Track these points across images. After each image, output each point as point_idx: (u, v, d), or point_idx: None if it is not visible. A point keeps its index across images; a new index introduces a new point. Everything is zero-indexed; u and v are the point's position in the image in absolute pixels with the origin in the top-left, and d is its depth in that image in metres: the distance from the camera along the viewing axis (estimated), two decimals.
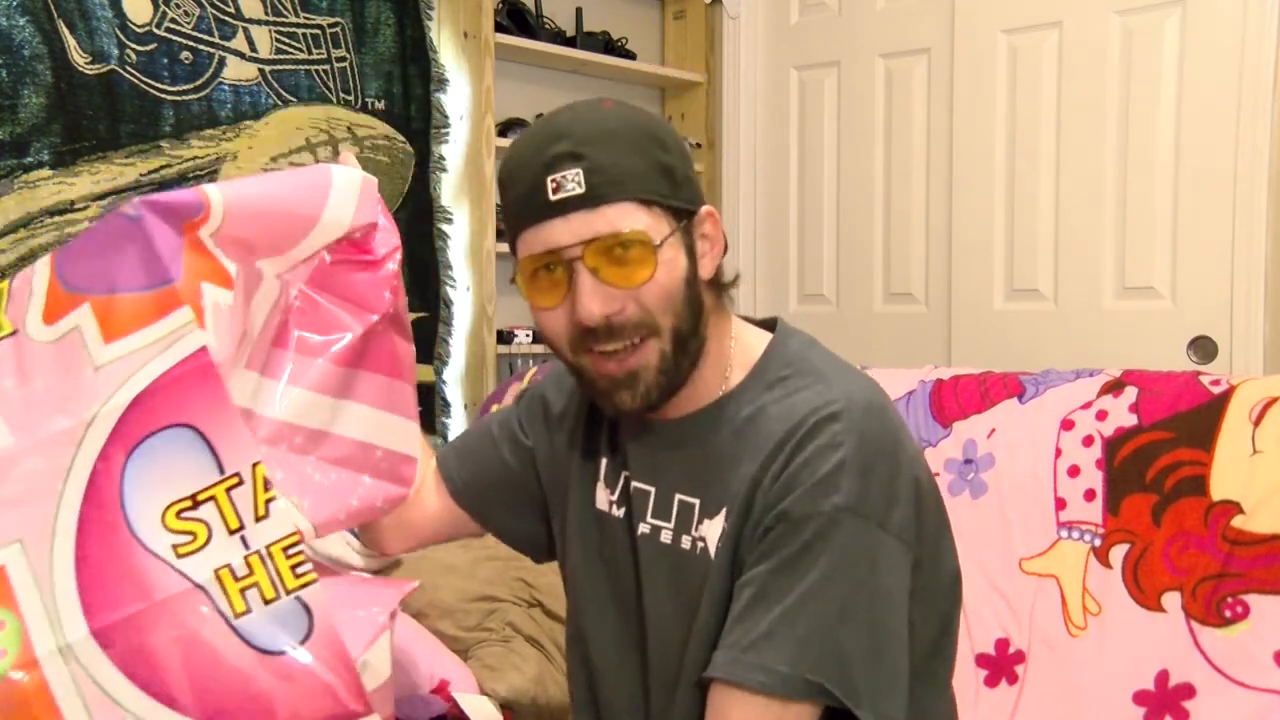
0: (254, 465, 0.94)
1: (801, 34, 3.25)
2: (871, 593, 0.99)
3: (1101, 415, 1.70)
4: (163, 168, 2.30)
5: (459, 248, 2.86)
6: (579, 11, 3.12)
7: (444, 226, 2.80)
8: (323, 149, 2.55)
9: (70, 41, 2.17)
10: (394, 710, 1.03)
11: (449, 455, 1.29)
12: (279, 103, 2.48)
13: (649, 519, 1.12)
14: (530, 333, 2.96)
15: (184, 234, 0.98)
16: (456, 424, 2.86)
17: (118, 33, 2.23)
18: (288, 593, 0.93)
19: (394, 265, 1.14)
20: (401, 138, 2.70)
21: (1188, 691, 1.51)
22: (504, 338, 2.93)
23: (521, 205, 1.03)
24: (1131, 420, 1.66)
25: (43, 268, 1.01)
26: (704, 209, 1.08)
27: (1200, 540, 1.55)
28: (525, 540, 1.29)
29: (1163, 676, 1.53)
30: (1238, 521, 1.52)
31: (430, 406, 2.75)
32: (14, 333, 0.99)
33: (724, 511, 1.06)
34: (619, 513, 1.16)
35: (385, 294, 1.13)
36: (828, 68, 3.19)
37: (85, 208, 2.20)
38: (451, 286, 2.81)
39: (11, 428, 0.95)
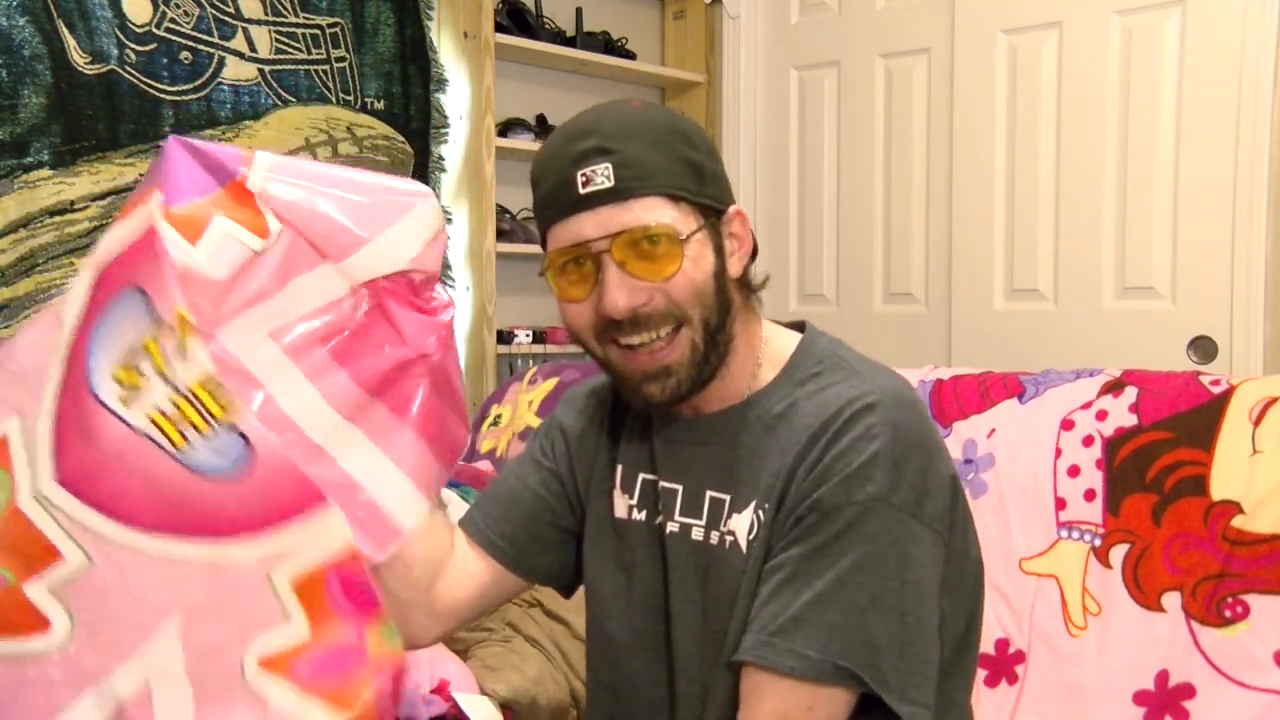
0: (176, 311, 0.99)
1: (801, 34, 3.25)
2: (902, 582, 0.99)
3: (1101, 415, 1.70)
4: None
5: (459, 248, 2.86)
6: (579, 11, 3.12)
7: None
8: (322, 149, 2.55)
9: (70, 41, 2.17)
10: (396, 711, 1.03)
11: (472, 515, 1.24)
12: (278, 103, 2.48)
13: (677, 517, 1.12)
14: (530, 332, 2.96)
15: (223, 186, 1.04)
16: None
17: (117, 33, 2.23)
18: (219, 423, 0.99)
19: (447, 318, 1.11)
20: (401, 138, 2.70)
21: (1188, 691, 1.51)
22: (504, 338, 2.93)
23: (551, 200, 1.05)
24: (1131, 420, 1.66)
25: None
26: (732, 208, 1.09)
27: (1200, 540, 1.55)
28: (559, 575, 1.25)
29: (1163, 676, 1.53)
30: (1238, 521, 1.52)
31: None
32: None
33: (753, 505, 1.06)
34: (640, 515, 1.15)
35: (430, 338, 1.09)
36: (828, 68, 3.19)
37: (85, 208, 2.20)
38: (451, 286, 2.81)
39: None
